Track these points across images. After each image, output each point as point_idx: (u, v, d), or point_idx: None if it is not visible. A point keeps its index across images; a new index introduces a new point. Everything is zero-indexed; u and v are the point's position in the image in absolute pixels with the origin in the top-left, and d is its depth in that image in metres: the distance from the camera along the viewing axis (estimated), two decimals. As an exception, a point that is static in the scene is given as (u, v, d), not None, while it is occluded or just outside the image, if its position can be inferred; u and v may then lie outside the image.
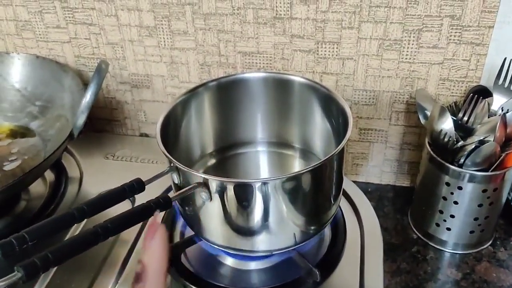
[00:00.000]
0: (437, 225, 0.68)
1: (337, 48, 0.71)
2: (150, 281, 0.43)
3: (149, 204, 0.50)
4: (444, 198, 0.65)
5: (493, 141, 0.61)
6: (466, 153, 0.62)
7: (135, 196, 0.54)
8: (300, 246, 0.60)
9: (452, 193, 0.64)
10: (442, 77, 0.70)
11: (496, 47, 0.66)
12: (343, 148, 0.56)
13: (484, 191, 0.62)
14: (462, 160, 0.62)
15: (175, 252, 0.65)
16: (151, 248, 0.45)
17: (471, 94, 0.65)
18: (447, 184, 0.63)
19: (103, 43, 0.81)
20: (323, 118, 0.68)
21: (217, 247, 0.60)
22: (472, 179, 0.62)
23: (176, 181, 0.57)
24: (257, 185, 0.53)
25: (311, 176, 0.55)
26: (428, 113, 0.68)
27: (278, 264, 0.65)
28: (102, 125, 0.91)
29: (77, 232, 0.67)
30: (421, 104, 0.69)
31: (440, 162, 0.63)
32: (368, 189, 0.80)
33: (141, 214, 0.49)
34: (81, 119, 0.72)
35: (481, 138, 0.62)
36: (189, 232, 0.67)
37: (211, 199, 0.54)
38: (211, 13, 0.73)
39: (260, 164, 0.76)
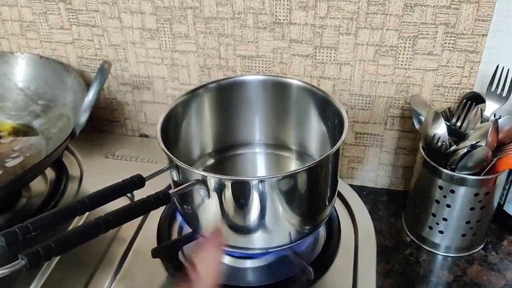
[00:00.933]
0: (430, 228, 0.69)
1: (334, 53, 0.72)
2: None
3: (148, 199, 0.51)
4: (437, 201, 0.66)
5: (485, 146, 0.62)
6: (458, 157, 0.63)
7: (134, 194, 0.55)
8: (295, 244, 0.61)
9: (444, 196, 0.65)
10: (437, 83, 0.71)
11: (489, 54, 0.67)
12: (338, 149, 0.57)
13: (476, 195, 0.64)
14: (454, 164, 0.63)
15: (173, 248, 0.66)
16: (209, 261, 0.48)
17: (465, 100, 0.67)
18: (440, 187, 0.65)
19: (105, 44, 0.82)
20: (319, 121, 0.69)
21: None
22: (464, 182, 0.63)
23: (176, 179, 0.58)
24: (254, 183, 0.54)
25: (307, 175, 0.56)
26: (423, 118, 0.69)
27: (274, 262, 0.66)
28: (103, 125, 0.92)
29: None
30: (415, 110, 0.70)
31: (433, 166, 0.65)
32: (363, 193, 0.81)
33: (141, 208, 0.51)
34: (83, 118, 0.73)
35: (474, 143, 0.63)
36: (187, 229, 0.68)
37: (209, 196, 0.55)
38: (212, 17, 0.75)
39: (257, 165, 0.77)
